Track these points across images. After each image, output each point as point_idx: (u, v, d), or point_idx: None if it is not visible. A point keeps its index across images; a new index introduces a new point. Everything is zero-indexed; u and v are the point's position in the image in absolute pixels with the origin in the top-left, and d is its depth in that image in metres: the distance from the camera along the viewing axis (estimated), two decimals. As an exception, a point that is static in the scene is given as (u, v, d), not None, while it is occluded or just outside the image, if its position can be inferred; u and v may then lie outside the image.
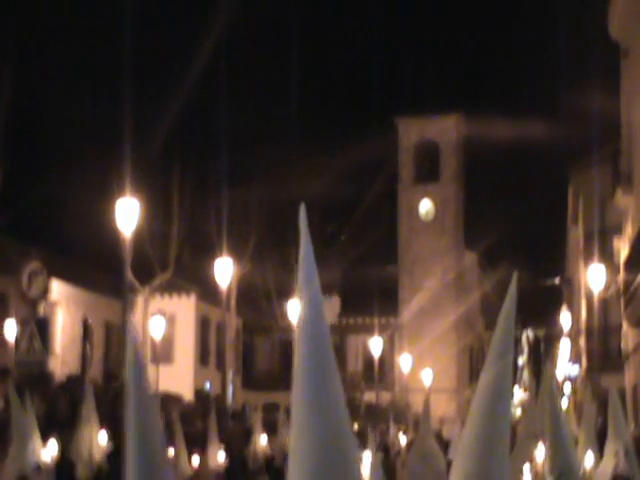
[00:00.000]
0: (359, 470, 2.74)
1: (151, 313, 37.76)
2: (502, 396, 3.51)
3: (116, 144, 25.93)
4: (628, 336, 29.65)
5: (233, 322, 41.84)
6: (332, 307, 58.46)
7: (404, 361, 53.05)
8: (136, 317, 35.84)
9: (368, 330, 51.90)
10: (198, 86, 39.11)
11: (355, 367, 56.70)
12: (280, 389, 44.31)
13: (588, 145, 33.24)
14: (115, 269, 27.43)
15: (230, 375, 37.18)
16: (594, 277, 29.50)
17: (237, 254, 36.87)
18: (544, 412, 7.18)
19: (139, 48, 28.63)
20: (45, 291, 28.24)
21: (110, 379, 31.90)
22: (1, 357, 26.76)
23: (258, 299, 48.20)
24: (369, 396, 48.42)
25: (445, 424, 38.08)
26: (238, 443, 20.37)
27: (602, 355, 32.91)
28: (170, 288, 43.18)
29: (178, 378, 41.37)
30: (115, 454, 13.70)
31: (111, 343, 39.70)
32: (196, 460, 16.93)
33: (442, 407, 48.34)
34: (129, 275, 24.96)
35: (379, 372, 49.34)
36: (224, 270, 30.28)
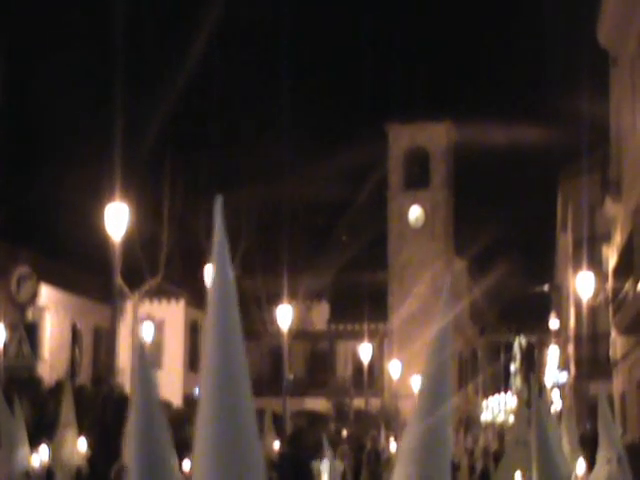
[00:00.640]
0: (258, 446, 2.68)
1: (140, 318, 37.68)
2: (442, 391, 3.54)
3: (106, 148, 25.93)
4: (616, 343, 29.70)
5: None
6: (321, 313, 58.47)
7: (393, 367, 53.06)
8: (125, 322, 35.77)
9: (357, 336, 51.94)
10: (188, 90, 39.10)
11: (344, 373, 56.71)
12: (269, 395, 44.24)
13: (577, 152, 33.33)
14: (104, 274, 27.40)
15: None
16: (583, 284, 29.58)
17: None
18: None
19: (129, 52, 28.63)
20: (34, 296, 28.13)
21: (99, 384, 31.80)
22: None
23: (247, 304, 48.14)
24: (358, 402, 48.43)
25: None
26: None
27: (590, 362, 32.96)
28: (159, 293, 43.13)
29: (167, 383, 41.25)
30: (97, 459, 13.63)
31: (100, 348, 39.62)
32: (187, 465, 16.89)
33: (431, 413, 48.27)
34: (118, 280, 24.90)
35: (368, 378, 49.40)
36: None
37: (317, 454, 16.06)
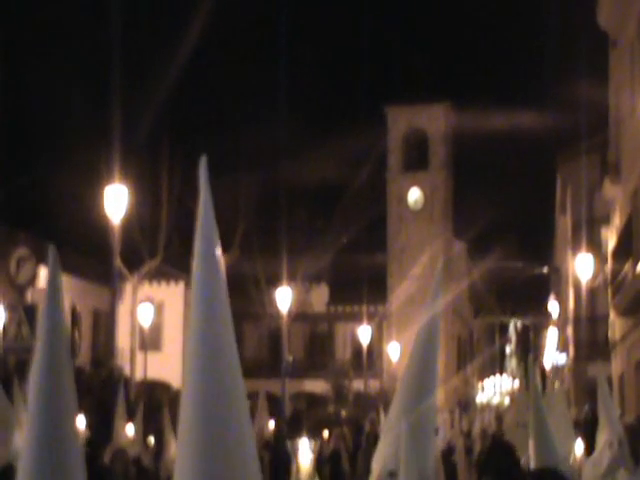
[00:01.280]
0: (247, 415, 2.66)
1: (140, 300, 37.71)
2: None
3: (105, 131, 25.89)
4: (615, 325, 29.72)
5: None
6: (321, 295, 58.49)
7: (392, 349, 53.11)
8: (125, 304, 35.80)
9: (356, 318, 51.97)
10: (187, 72, 39.02)
11: (343, 355, 56.77)
12: (268, 377, 44.33)
13: (576, 135, 33.27)
14: (103, 256, 27.40)
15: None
16: (582, 266, 29.58)
17: (226, 241, 36.85)
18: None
19: (127, 35, 28.56)
20: (33, 278, 28.18)
21: (98, 366, 31.87)
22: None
23: (247, 286, 48.14)
24: (357, 384, 48.51)
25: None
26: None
27: (589, 344, 32.99)
28: (159, 275, 43.14)
29: (167, 365, 41.38)
30: (96, 440, 13.67)
31: (99, 330, 39.66)
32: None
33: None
34: (118, 262, 24.91)
35: (367, 360, 49.48)
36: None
37: (296, 433, 16.10)
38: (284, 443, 17.42)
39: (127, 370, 31.63)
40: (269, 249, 44.09)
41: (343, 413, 32.97)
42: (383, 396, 47.53)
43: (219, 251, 2.73)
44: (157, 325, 42.78)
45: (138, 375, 34.98)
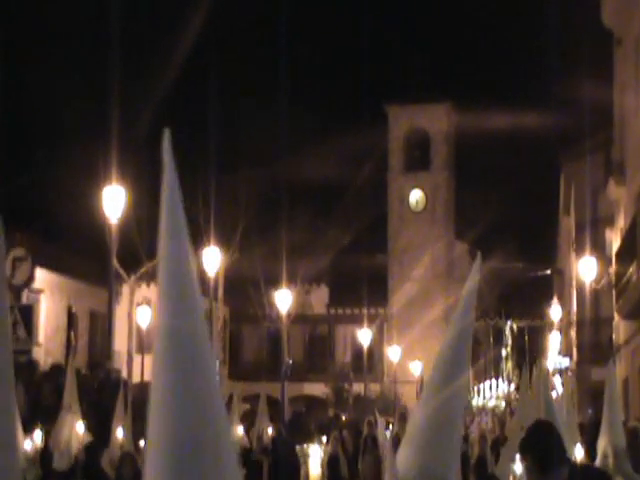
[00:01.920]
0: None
1: (137, 302, 37.41)
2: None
3: (103, 130, 25.61)
4: (619, 328, 29.45)
5: (220, 311, 41.49)
6: (321, 297, 58.19)
7: (393, 352, 52.83)
8: (122, 306, 35.53)
9: (357, 321, 51.66)
10: (185, 71, 38.69)
11: (344, 358, 56.49)
12: (268, 380, 44.05)
13: (580, 135, 33.00)
14: (100, 257, 27.16)
15: (217, 365, 36.88)
16: (585, 268, 29.28)
17: (225, 242, 36.54)
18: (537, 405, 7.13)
19: (126, 34, 28.25)
20: (29, 278, 27.87)
21: (95, 369, 31.56)
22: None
23: (246, 288, 47.84)
24: (358, 387, 48.22)
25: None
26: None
27: (593, 347, 32.71)
28: (156, 277, 42.78)
29: (164, 367, 41.02)
30: (94, 444, 13.40)
31: (96, 332, 39.39)
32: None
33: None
34: (115, 263, 24.66)
35: (368, 363, 49.15)
36: (211, 259, 30.04)
37: (306, 439, 15.81)
38: (284, 447, 17.11)
39: (124, 372, 31.37)
40: (269, 250, 43.78)
41: (343, 417, 32.62)
42: (383, 399, 47.25)
43: (186, 235, 2.60)
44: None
45: (135, 377, 34.69)
